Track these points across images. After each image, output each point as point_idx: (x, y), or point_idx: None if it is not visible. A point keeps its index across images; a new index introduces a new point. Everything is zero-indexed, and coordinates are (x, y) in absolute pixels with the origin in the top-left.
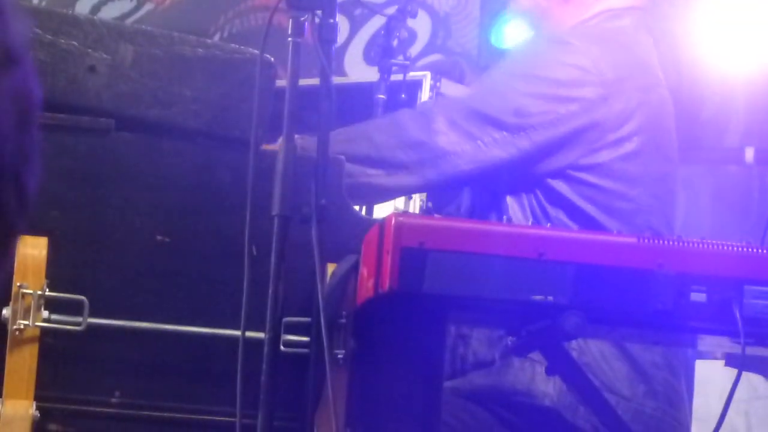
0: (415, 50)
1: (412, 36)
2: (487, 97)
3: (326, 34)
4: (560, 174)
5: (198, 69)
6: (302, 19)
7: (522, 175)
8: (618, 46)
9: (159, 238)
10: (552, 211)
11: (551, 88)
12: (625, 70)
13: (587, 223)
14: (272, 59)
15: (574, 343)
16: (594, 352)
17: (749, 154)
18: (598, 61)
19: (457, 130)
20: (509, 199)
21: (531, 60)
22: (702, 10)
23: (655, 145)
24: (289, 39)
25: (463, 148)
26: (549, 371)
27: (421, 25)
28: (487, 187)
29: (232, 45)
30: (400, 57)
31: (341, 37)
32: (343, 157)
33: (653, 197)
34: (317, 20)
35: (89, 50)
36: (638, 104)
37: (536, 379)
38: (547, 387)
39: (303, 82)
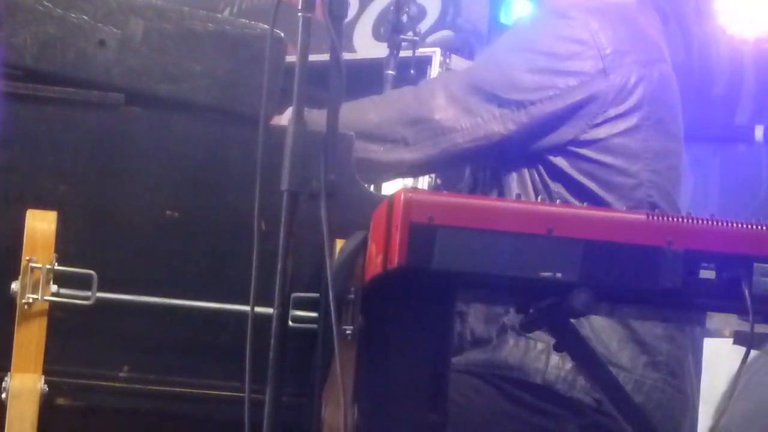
0: (424, 26)
1: (422, 12)
2: (487, 72)
3: (336, 10)
4: (560, 150)
5: (208, 44)
6: None
7: (522, 151)
8: (619, 19)
9: (168, 212)
10: (553, 185)
11: (550, 63)
12: (625, 44)
13: (587, 197)
14: (282, 35)
15: None
16: (594, 324)
17: (759, 132)
18: (597, 35)
19: (456, 106)
20: (511, 175)
21: (530, 34)
22: None
23: (656, 120)
24: (300, 14)
25: (462, 124)
26: (557, 348)
27: (430, 1)
28: (489, 163)
29: (243, 20)
30: (410, 33)
31: (350, 13)
32: (352, 133)
33: (654, 172)
34: None
35: (99, 24)
36: (639, 79)
37: (529, 354)
38: (540, 363)
39: (313, 57)
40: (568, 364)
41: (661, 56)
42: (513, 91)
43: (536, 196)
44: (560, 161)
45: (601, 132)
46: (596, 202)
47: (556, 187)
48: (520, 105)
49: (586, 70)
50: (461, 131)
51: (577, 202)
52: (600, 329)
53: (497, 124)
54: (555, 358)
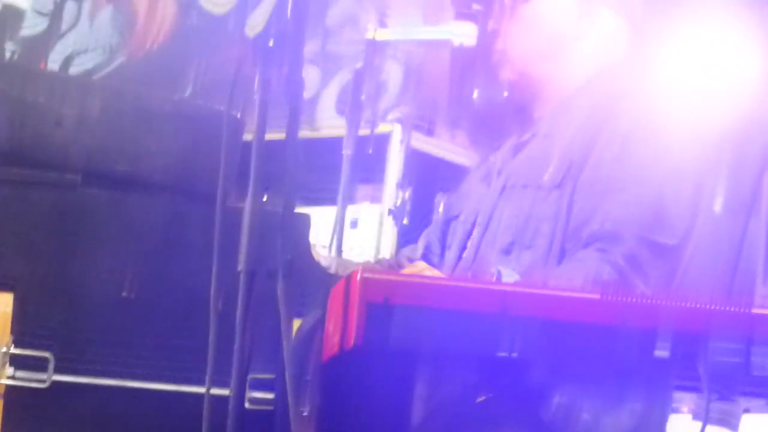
0: (386, 102)
1: (383, 88)
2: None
3: (293, 89)
4: None
5: (165, 124)
6: (268, 75)
7: None
8: None
9: (125, 294)
10: None
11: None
12: None
13: None
14: (239, 115)
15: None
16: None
17: (718, 204)
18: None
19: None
20: None
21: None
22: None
23: None
24: (255, 96)
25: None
26: (515, 427)
27: (392, 76)
28: None
29: (199, 101)
30: (368, 111)
31: (313, 89)
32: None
33: None
34: (283, 76)
35: (56, 105)
36: None
37: None
38: None
39: (272, 135)
40: None
41: None
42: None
43: None
44: None
45: None
46: None
47: None
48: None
49: None
50: None
51: None
52: None
53: None
54: None
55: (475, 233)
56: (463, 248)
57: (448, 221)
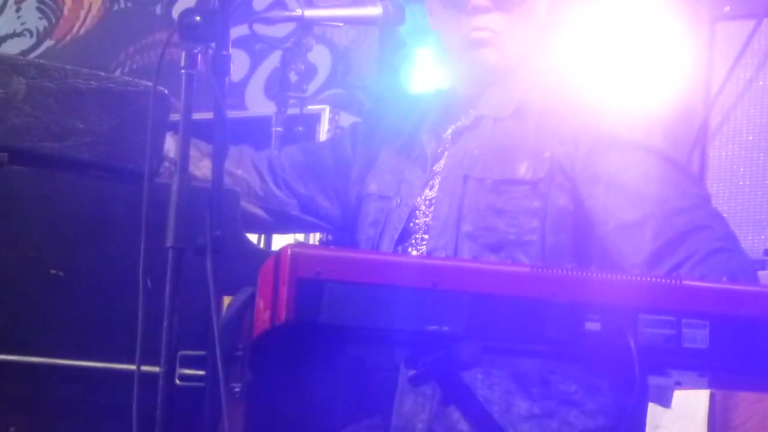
0: (315, 84)
1: (313, 70)
2: None
3: (220, 66)
4: None
5: (91, 102)
6: (195, 51)
7: None
8: None
9: (53, 271)
10: None
11: None
12: None
13: None
14: (166, 91)
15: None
16: None
17: None
18: None
19: None
20: None
21: None
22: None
23: None
24: (182, 71)
25: None
26: (445, 401)
27: (321, 59)
28: None
29: (126, 78)
30: (298, 91)
31: (242, 72)
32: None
33: None
34: (210, 52)
35: None
36: None
37: None
38: None
39: (200, 115)
40: None
41: None
42: None
43: None
44: None
45: None
46: None
47: None
48: None
49: None
50: None
51: None
52: None
53: None
54: None
55: (440, 224)
56: (406, 232)
57: (361, 197)
